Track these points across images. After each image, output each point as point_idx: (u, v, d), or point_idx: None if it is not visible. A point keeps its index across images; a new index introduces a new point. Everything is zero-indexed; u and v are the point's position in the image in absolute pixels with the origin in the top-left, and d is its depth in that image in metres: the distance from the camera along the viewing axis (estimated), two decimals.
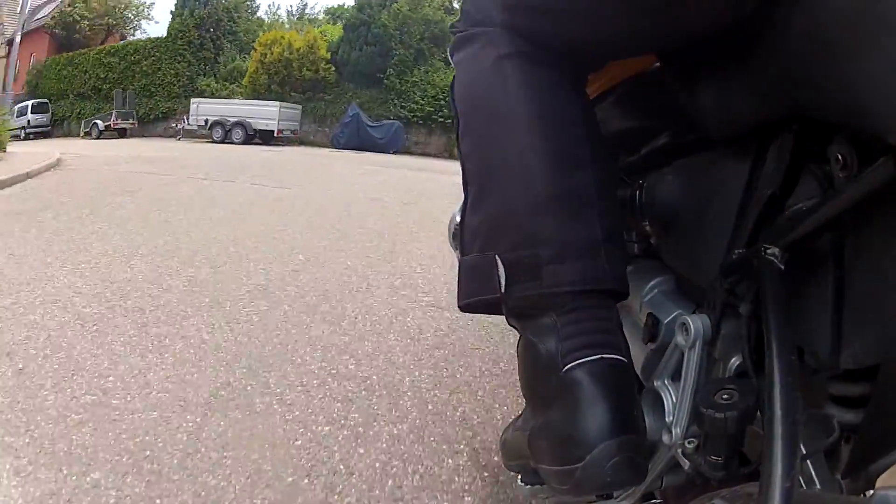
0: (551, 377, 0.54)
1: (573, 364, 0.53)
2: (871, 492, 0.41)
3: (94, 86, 24.45)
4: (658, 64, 0.68)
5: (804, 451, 0.46)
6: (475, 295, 0.61)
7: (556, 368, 0.54)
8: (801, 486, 0.46)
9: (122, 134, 21.05)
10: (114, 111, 21.29)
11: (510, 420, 0.71)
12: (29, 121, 24.33)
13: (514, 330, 0.63)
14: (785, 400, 0.41)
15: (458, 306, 0.63)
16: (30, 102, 25.77)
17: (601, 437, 0.50)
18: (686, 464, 0.57)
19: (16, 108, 26.24)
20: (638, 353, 0.71)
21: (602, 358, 0.54)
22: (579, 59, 0.63)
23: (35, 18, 29.26)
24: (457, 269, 0.65)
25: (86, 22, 27.27)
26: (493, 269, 0.57)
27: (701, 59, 0.56)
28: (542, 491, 0.64)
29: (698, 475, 0.57)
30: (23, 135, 23.45)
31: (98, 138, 20.04)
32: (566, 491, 0.53)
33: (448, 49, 0.73)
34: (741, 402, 0.51)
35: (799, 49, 0.41)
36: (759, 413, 0.51)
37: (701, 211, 0.63)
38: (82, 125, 22.47)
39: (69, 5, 27.52)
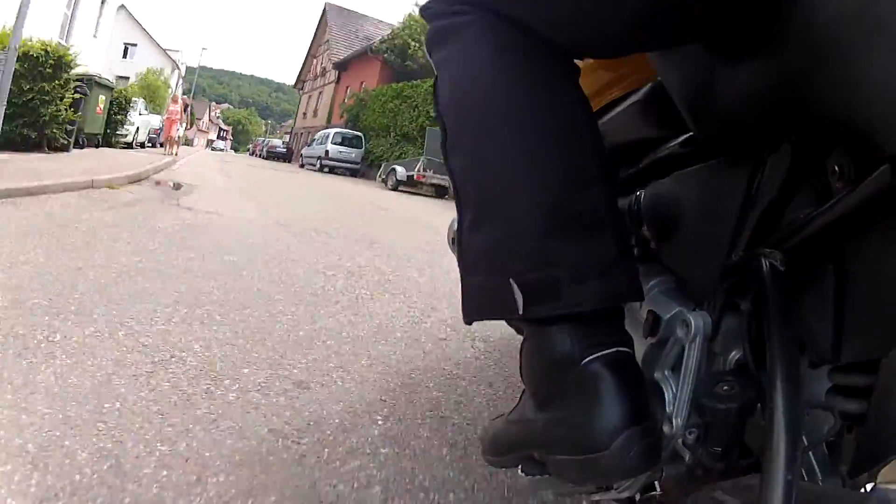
0: (569, 370, 0.55)
1: (592, 357, 0.54)
2: (872, 484, 0.41)
3: (421, 125, 18.12)
4: (654, 77, 0.68)
5: (806, 443, 0.46)
6: (489, 316, 0.60)
7: (575, 362, 0.54)
8: (804, 478, 0.46)
9: (438, 192, 14.05)
10: (422, 158, 14.54)
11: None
12: (327, 151, 20.11)
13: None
14: (786, 392, 0.41)
15: (465, 322, 0.62)
16: (331, 131, 21.26)
17: (625, 425, 0.51)
18: (686, 455, 0.58)
19: (317, 135, 22.30)
20: (638, 346, 0.71)
21: (618, 350, 0.54)
22: (569, 48, 0.59)
23: (372, 41, 25.77)
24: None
25: (421, 48, 20.99)
26: (508, 293, 0.55)
27: (699, 71, 0.56)
28: (544, 481, 0.65)
29: (699, 466, 0.57)
30: (318, 165, 19.94)
31: (394, 189, 14.56)
32: (587, 479, 0.54)
33: (426, 42, 0.65)
34: (742, 393, 0.51)
35: (796, 60, 0.42)
36: (759, 405, 0.51)
37: (700, 220, 0.64)
38: (381, 170, 16.84)
39: (402, 28, 23.68)
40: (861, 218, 0.42)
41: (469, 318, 0.62)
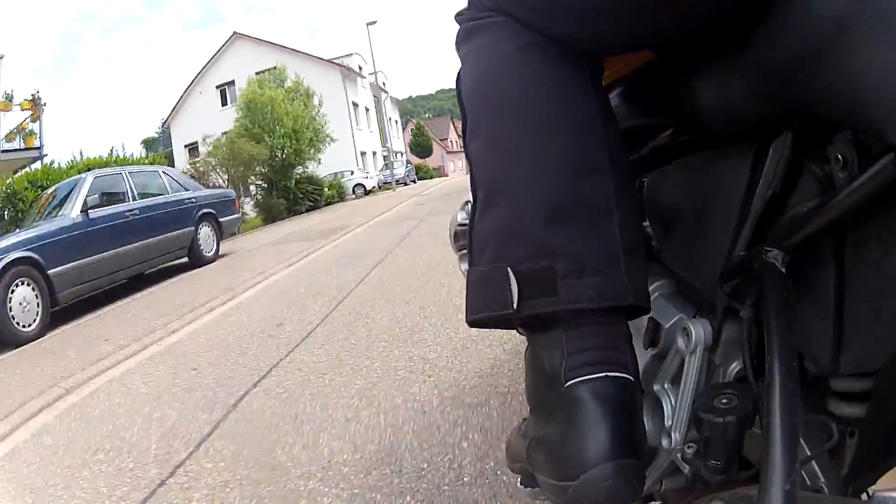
0: (553, 391, 0.52)
1: (576, 381, 0.51)
2: (872, 491, 0.41)
3: None
4: (655, 60, 0.68)
5: (806, 454, 0.46)
6: (485, 311, 0.57)
7: (559, 383, 0.52)
8: (806, 483, 0.46)
9: None
10: None
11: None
12: None
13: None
14: (784, 404, 0.41)
15: (467, 321, 0.60)
16: None
17: (598, 459, 0.48)
18: (685, 468, 0.57)
19: None
20: (638, 358, 0.71)
21: (607, 376, 0.51)
22: (592, 49, 0.59)
23: None
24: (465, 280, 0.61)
25: None
26: (505, 283, 0.53)
27: (700, 55, 0.56)
28: (540, 494, 0.64)
29: (698, 479, 0.57)
30: None
31: None
32: (562, 503, 0.52)
33: (455, 40, 0.68)
34: (740, 406, 0.50)
35: (798, 47, 0.41)
36: (758, 416, 0.51)
37: (702, 212, 0.63)
38: None
39: None
40: (863, 211, 0.41)
41: (470, 315, 0.59)
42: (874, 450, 0.42)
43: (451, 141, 56.37)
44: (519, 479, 0.63)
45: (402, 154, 36.32)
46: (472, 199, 0.63)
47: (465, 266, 1.23)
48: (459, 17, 0.68)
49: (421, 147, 44.96)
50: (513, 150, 0.57)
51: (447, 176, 42.24)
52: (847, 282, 0.45)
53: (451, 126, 57.42)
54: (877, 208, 0.40)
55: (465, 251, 1.14)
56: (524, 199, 0.55)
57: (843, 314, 0.46)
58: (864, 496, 0.44)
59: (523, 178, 0.55)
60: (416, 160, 41.02)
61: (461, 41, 0.66)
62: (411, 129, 46.35)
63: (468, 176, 0.65)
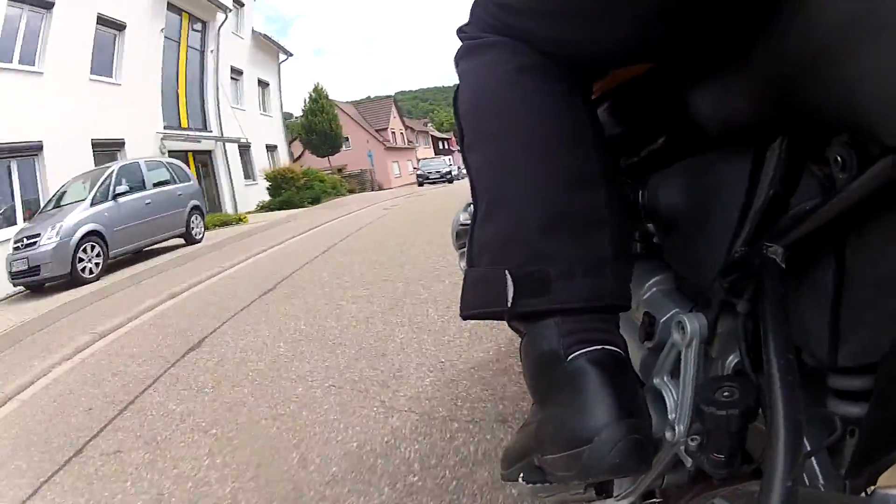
0: (556, 369, 0.56)
1: (576, 354, 0.55)
2: (872, 489, 0.41)
3: None
4: (653, 67, 0.68)
5: (807, 449, 0.46)
6: (482, 307, 0.62)
7: (560, 360, 0.56)
8: (805, 484, 0.46)
9: None
10: None
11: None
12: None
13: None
14: (786, 398, 0.41)
15: (461, 315, 0.64)
16: None
17: (609, 419, 0.51)
18: (688, 462, 0.58)
19: None
20: (635, 352, 0.71)
21: (604, 348, 0.56)
22: (588, 66, 0.63)
23: None
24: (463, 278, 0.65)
25: None
26: (502, 283, 0.58)
27: (699, 59, 0.56)
28: (543, 489, 0.65)
29: (700, 473, 0.57)
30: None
31: None
32: (573, 476, 0.54)
33: (455, 56, 0.71)
34: (742, 399, 0.51)
35: (798, 50, 0.42)
36: (761, 410, 0.51)
37: (703, 211, 0.64)
38: None
39: None
40: (863, 210, 0.41)
41: (465, 310, 0.64)
42: (875, 447, 0.42)
43: (395, 133, 38.03)
44: (521, 476, 0.63)
45: (273, 148, 19.76)
46: (472, 206, 0.66)
47: (464, 264, 1.23)
48: (461, 33, 0.71)
49: (318, 136, 24.29)
50: (511, 165, 0.61)
51: (384, 189, 26.51)
52: (846, 276, 0.46)
53: (395, 114, 39.68)
54: (876, 206, 0.41)
55: (465, 249, 1.15)
56: (522, 211, 0.59)
57: (841, 308, 0.46)
58: (862, 494, 0.44)
59: (521, 192, 0.60)
60: (310, 160, 23.58)
61: (461, 58, 0.70)
62: (304, 105, 25.38)
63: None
